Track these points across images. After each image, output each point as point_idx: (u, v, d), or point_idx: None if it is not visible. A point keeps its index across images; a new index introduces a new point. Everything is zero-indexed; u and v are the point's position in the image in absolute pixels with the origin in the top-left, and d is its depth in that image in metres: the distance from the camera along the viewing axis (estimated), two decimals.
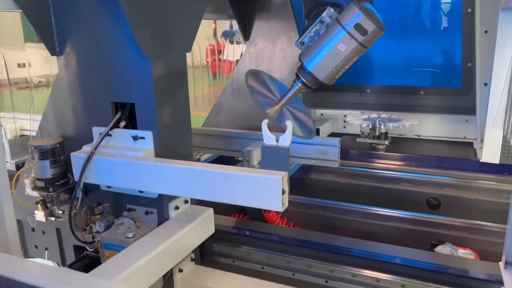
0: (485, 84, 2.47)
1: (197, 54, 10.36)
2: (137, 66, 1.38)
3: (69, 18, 1.45)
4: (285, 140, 1.25)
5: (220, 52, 9.33)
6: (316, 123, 3.13)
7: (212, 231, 1.59)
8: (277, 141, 1.29)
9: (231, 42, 8.84)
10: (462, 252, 1.64)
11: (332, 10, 1.45)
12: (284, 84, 1.76)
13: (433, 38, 2.90)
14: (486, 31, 2.41)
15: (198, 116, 3.12)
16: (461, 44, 2.76)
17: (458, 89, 2.88)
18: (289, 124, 1.24)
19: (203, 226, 1.55)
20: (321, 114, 3.37)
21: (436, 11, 2.88)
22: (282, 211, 1.18)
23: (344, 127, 3.28)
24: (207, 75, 10.43)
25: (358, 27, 1.35)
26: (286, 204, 1.20)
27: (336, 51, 1.39)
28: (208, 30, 11.25)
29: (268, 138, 1.27)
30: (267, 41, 2.77)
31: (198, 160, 2.28)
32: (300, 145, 1.83)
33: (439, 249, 1.66)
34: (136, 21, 1.30)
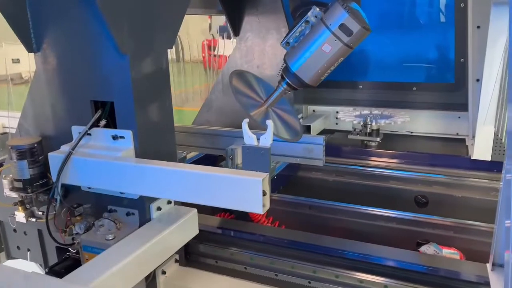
0: (477, 80, 2.44)
1: (193, 49, 10.33)
2: (115, 63, 1.33)
3: (45, 13, 1.41)
4: (266, 140, 1.21)
5: (210, 47, 9.32)
6: (308, 119, 3.10)
7: (196, 232, 1.56)
8: (259, 140, 1.25)
9: (228, 37, 8.79)
10: (447, 251, 1.62)
11: (318, 9, 1.41)
12: (270, 85, 1.72)
13: (425, 33, 2.87)
14: (478, 27, 2.37)
15: (193, 112, 3.07)
16: (454, 39, 2.73)
17: (451, 85, 2.85)
18: (270, 123, 1.21)
19: (187, 227, 1.51)
20: (313, 111, 3.34)
21: (429, 7, 2.84)
22: (262, 213, 1.15)
23: (336, 123, 3.25)
24: (203, 70, 10.41)
25: (343, 27, 1.31)
26: (268, 206, 1.16)
27: (321, 52, 1.36)
28: (204, 25, 11.20)
29: (249, 138, 1.23)
30: (257, 36, 2.73)
31: (184, 158, 2.24)
32: (285, 144, 1.80)
33: (424, 248, 1.64)
34: (113, 16, 1.25)
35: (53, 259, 1.77)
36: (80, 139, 1.39)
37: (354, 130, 2.91)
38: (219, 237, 1.68)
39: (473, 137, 2.34)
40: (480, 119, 2.20)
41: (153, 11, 1.40)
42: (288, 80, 1.48)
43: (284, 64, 1.47)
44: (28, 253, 1.84)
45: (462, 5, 2.64)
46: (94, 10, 1.26)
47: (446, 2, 2.77)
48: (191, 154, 2.45)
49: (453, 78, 2.83)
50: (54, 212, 1.49)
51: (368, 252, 1.48)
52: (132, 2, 1.31)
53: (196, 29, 10.57)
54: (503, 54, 2.06)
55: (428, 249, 1.64)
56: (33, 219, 1.58)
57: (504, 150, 2.21)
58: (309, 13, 1.41)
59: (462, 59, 2.72)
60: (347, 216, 2.05)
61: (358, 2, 1.44)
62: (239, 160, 1.81)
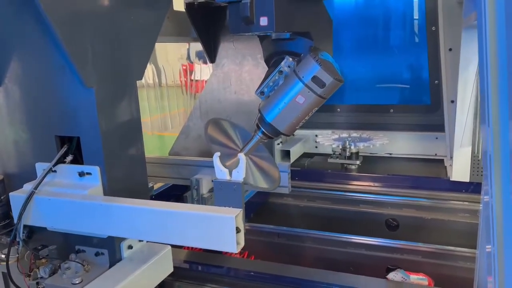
0: (452, 102, 2.46)
1: (172, 74, 10.32)
2: (80, 97, 1.28)
3: (6, 46, 1.35)
4: (239, 174, 1.17)
5: (190, 72, 9.34)
6: (287, 144, 3.07)
7: (171, 270, 1.49)
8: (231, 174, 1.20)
9: (205, 62, 8.83)
10: (414, 277, 1.60)
11: (291, 59, 1.43)
12: (248, 131, 1.69)
13: (400, 56, 2.91)
14: (450, 49, 2.41)
15: (172, 137, 3.01)
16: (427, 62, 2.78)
17: (427, 107, 2.88)
18: (242, 157, 1.17)
19: (160, 266, 1.44)
20: (293, 135, 3.31)
21: (403, 30, 2.89)
22: (237, 252, 1.09)
23: (316, 147, 3.22)
24: (182, 94, 10.38)
25: (315, 79, 1.32)
26: (242, 244, 1.11)
27: (295, 103, 1.37)
28: (183, 50, 11.24)
29: (221, 172, 1.18)
30: (233, 63, 2.72)
31: (151, 188, 2.18)
32: None
33: (391, 276, 1.61)
34: (75, 49, 1.21)
35: None
36: (44, 177, 1.32)
37: (334, 153, 2.89)
38: (194, 273, 1.61)
39: (451, 158, 2.34)
40: (457, 140, 2.20)
41: (119, 43, 1.36)
42: (263, 130, 1.47)
43: (259, 114, 1.47)
44: None
45: (433, 28, 2.69)
46: (56, 42, 1.21)
47: (419, 25, 2.82)
48: (158, 184, 2.39)
49: (429, 99, 2.86)
50: (17, 256, 1.40)
51: (335, 281, 1.46)
52: (96, 34, 1.27)
53: (175, 54, 10.59)
54: (476, 76, 2.09)
55: (395, 276, 1.61)
56: None
57: (482, 171, 2.22)
58: (282, 63, 1.43)
59: (436, 81, 2.75)
60: (317, 243, 2.03)
61: (330, 52, 1.47)
62: (204, 190, 1.78)
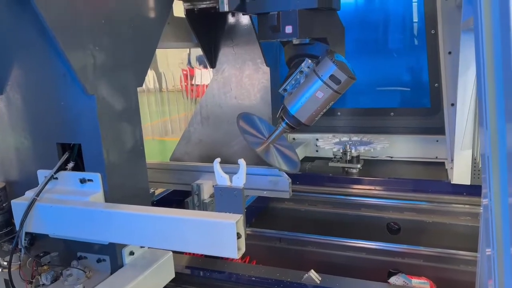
0: (452, 105, 2.46)
1: (176, 79, 10.34)
2: (81, 104, 1.29)
3: (8, 54, 1.36)
4: (239, 180, 1.17)
5: (190, 77, 9.36)
6: None
7: (172, 275, 1.49)
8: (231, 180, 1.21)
9: (205, 67, 8.85)
10: (416, 281, 1.60)
11: (310, 61, 1.67)
12: (270, 124, 2.02)
13: (401, 60, 2.92)
14: (449, 52, 2.42)
15: (175, 142, 3.02)
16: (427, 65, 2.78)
17: (427, 109, 2.88)
18: (242, 162, 1.17)
19: (161, 272, 1.44)
20: (293, 139, 3.32)
21: (403, 33, 2.90)
22: (238, 257, 1.09)
23: (317, 151, 3.23)
24: (182, 99, 10.39)
25: (332, 77, 1.56)
26: (243, 249, 1.11)
27: (314, 97, 1.61)
28: (184, 55, 11.27)
29: (221, 178, 1.19)
30: (234, 68, 2.72)
31: (153, 194, 2.18)
32: (251, 176, 1.79)
33: (393, 280, 1.62)
34: (77, 57, 1.21)
35: None
36: (46, 184, 1.32)
37: (335, 157, 2.89)
38: (195, 279, 1.61)
39: (452, 161, 2.34)
40: (457, 143, 2.20)
41: (120, 50, 1.37)
42: (287, 121, 1.73)
43: (283, 107, 1.73)
44: None
45: (433, 31, 2.70)
46: (57, 50, 1.22)
47: (419, 28, 2.83)
48: (159, 190, 2.39)
49: (429, 102, 2.86)
50: (19, 263, 1.41)
51: (337, 285, 1.46)
52: (97, 42, 1.27)
53: (176, 59, 10.62)
54: (475, 79, 2.09)
55: (397, 280, 1.61)
56: None
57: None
58: (303, 64, 1.67)
59: (436, 84, 2.76)
60: (318, 247, 2.04)
61: (342, 53, 1.72)
62: (205, 195, 1.83)
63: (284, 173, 1.91)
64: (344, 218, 2.47)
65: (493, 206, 0.81)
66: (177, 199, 2.38)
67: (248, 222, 2.37)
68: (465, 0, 1.85)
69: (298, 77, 1.70)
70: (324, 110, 1.67)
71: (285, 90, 1.73)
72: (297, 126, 1.73)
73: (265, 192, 1.89)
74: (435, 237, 2.22)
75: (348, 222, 2.45)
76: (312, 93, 1.61)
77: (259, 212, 2.57)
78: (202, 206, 1.88)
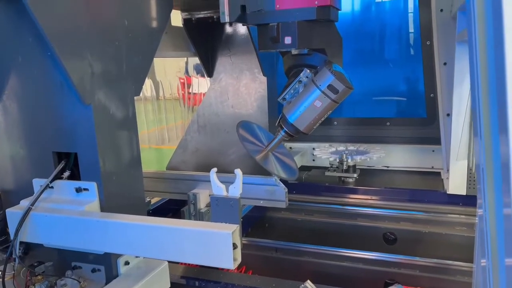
0: (448, 115, 2.47)
1: (173, 87, 10.36)
2: (78, 114, 1.29)
3: (4, 63, 1.36)
4: (235, 189, 1.17)
5: (188, 85, 9.39)
6: None
7: (168, 286, 1.47)
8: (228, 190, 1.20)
9: (202, 76, 8.88)
10: None
11: (308, 71, 1.69)
12: (270, 133, 2.05)
13: (397, 70, 2.95)
14: (445, 63, 2.44)
15: (170, 150, 3.02)
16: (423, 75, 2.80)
17: (423, 119, 2.90)
18: (238, 173, 1.17)
19: (157, 282, 1.43)
20: (290, 148, 3.33)
21: (399, 44, 2.93)
22: (233, 268, 1.09)
23: (313, 160, 3.23)
24: (180, 107, 10.40)
25: (330, 87, 1.59)
26: (239, 260, 1.10)
27: (313, 106, 1.64)
28: (181, 63, 11.30)
29: (218, 188, 1.19)
30: (231, 77, 2.73)
31: (149, 203, 2.17)
32: (247, 186, 1.79)
33: None
34: (74, 67, 1.22)
35: None
36: (41, 193, 1.32)
37: (331, 166, 2.89)
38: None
39: (448, 171, 2.35)
40: (453, 153, 2.21)
41: (117, 59, 1.37)
42: (286, 129, 1.75)
43: (282, 116, 1.76)
44: None
45: (428, 42, 2.73)
46: (54, 59, 1.22)
47: (415, 39, 2.86)
48: (155, 199, 2.38)
49: (425, 112, 2.88)
50: (13, 272, 1.39)
51: None
52: (94, 51, 1.28)
53: (173, 67, 10.65)
54: (470, 90, 2.11)
55: None
56: None
57: None
58: (301, 74, 1.70)
59: (432, 94, 2.78)
60: (315, 257, 2.03)
61: (340, 64, 1.76)
62: (202, 204, 1.82)
63: (281, 183, 1.92)
64: (341, 228, 2.47)
65: (488, 217, 0.81)
66: (173, 208, 2.38)
67: (245, 232, 2.36)
68: (459, 11, 1.87)
69: (297, 86, 1.72)
70: (323, 119, 1.70)
71: (284, 99, 1.76)
72: (295, 134, 1.75)
73: (261, 202, 1.90)
74: (431, 247, 2.22)
75: (345, 232, 2.45)
76: (311, 102, 1.64)
77: (255, 222, 2.56)
78: (198, 215, 1.88)
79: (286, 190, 1.85)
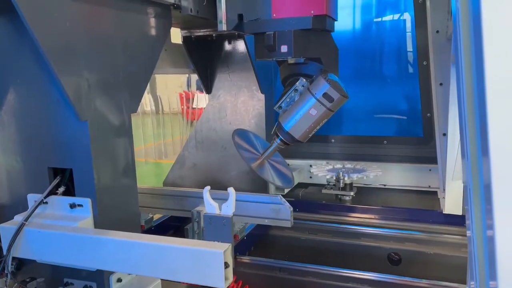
0: (444, 135, 2.49)
1: (173, 102, 10.41)
2: (74, 130, 1.30)
3: (2, 78, 1.38)
4: (228, 208, 1.17)
5: (188, 100, 9.45)
6: None
7: None
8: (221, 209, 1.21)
9: (202, 91, 8.95)
10: None
11: (304, 80, 1.72)
12: (266, 141, 2.07)
13: (395, 89, 2.96)
14: (441, 84, 2.46)
15: (169, 164, 3.02)
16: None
17: (420, 139, 2.91)
18: (231, 191, 1.18)
19: None
20: (288, 165, 3.33)
21: (398, 63, 2.96)
22: None
23: (310, 177, 3.24)
24: (179, 122, 10.43)
25: (326, 95, 1.61)
26: (231, 279, 1.10)
27: (308, 115, 1.66)
28: (183, 78, 11.38)
29: (211, 206, 1.19)
30: (229, 94, 2.76)
31: (151, 219, 2.16)
32: (252, 204, 1.78)
33: None
34: (71, 84, 1.24)
35: None
36: (35, 208, 1.32)
37: (328, 184, 2.89)
38: None
39: (444, 190, 2.35)
40: (448, 173, 2.21)
41: (114, 76, 1.39)
42: (282, 137, 1.76)
43: (277, 124, 1.77)
44: None
45: (424, 63, 2.76)
46: (51, 76, 1.24)
47: (413, 59, 2.90)
48: (157, 216, 2.37)
49: (421, 132, 2.89)
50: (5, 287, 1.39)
51: None
52: (91, 68, 1.30)
53: (174, 82, 10.72)
54: None
55: None
56: None
57: None
58: (297, 83, 1.72)
59: (428, 114, 2.80)
60: (319, 278, 1.98)
61: (336, 74, 1.78)
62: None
63: (286, 202, 1.89)
64: (344, 248, 2.44)
65: (475, 238, 0.82)
66: (175, 224, 2.36)
67: (247, 250, 2.33)
68: (454, 33, 1.90)
69: (292, 95, 1.74)
70: (318, 128, 1.72)
71: (280, 107, 1.78)
72: (291, 142, 1.76)
73: (266, 221, 1.89)
74: (435, 268, 2.19)
75: (348, 251, 2.41)
76: (306, 110, 1.65)
77: (258, 240, 2.54)
78: (202, 233, 1.86)
79: (291, 209, 1.84)
